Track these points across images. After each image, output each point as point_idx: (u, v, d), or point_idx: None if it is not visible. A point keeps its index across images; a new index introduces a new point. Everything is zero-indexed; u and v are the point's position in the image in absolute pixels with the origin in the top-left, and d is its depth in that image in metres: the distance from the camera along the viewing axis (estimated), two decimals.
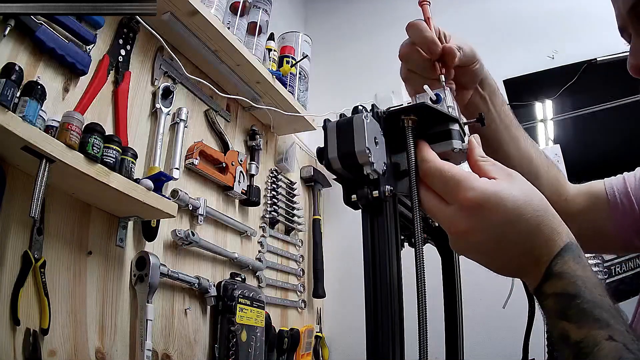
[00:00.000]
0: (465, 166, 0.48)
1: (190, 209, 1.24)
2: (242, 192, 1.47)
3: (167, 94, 1.23)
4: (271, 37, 1.63)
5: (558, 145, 1.78)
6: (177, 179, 1.21)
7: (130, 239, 1.08)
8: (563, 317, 0.38)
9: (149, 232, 1.12)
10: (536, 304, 0.45)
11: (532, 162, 0.68)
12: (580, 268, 0.39)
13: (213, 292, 1.25)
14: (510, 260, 0.43)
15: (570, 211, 0.66)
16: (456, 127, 0.50)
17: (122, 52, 1.11)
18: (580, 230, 0.48)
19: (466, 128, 0.54)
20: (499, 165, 0.45)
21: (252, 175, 1.53)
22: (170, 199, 1.09)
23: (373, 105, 0.50)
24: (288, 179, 1.83)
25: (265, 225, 1.63)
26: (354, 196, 0.47)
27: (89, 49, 1.00)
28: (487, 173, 0.44)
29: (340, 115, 0.49)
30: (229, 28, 1.34)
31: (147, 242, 1.12)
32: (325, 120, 0.49)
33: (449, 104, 0.52)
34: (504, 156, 0.64)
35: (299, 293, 1.77)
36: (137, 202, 0.95)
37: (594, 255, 1.61)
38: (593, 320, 0.36)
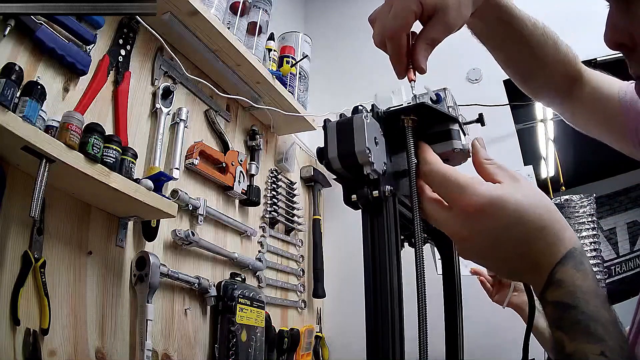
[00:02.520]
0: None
1: (190, 209, 1.24)
2: (242, 192, 1.47)
3: (167, 94, 1.23)
4: (271, 37, 1.63)
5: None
6: (177, 179, 1.21)
7: (130, 239, 1.08)
8: (559, 326, 0.38)
9: (149, 232, 1.12)
10: (536, 303, 0.45)
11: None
12: (580, 277, 0.39)
13: (213, 292, 1.25)
14: (508, 263, 0.43)
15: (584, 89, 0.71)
16: (456, 127, 0.50)
17: (122, 52, 1.11)
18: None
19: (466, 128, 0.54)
20: (504, 168, 0.45)
21: (252, 175, 1.53)
22: (170, 199, 1.09)
23: (373, 105, 0.50)
24: (288, 179, 1.83)
25: (265, 225, 1.63)
26: (354, 196, 0.47)
27: (89, 49, 1.00)
28: (493, 176, 0.44)
29: (340, 115, 0.49)
30: (229, 28, 1.34)
31: (147, 242, 1.12)
32: (325, 120, 0.49)
33: (449, 104, 0.52)
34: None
35: (299, 293, 1.77)
36: (137, 202, 0.95)
37: (594, 255, 1.61)
38: (587, 334, 0.36)
